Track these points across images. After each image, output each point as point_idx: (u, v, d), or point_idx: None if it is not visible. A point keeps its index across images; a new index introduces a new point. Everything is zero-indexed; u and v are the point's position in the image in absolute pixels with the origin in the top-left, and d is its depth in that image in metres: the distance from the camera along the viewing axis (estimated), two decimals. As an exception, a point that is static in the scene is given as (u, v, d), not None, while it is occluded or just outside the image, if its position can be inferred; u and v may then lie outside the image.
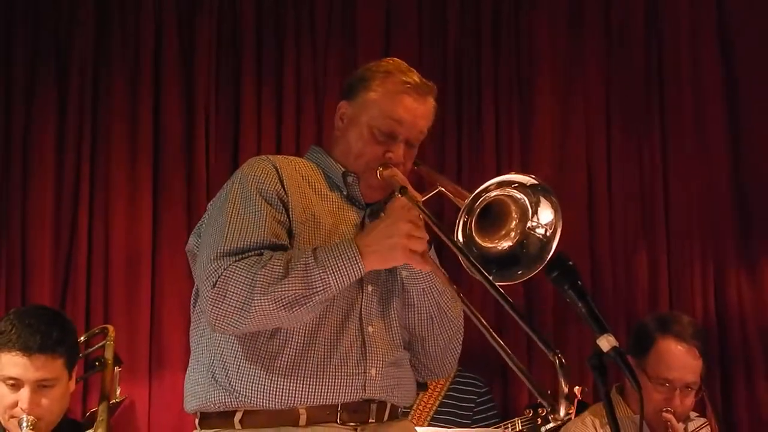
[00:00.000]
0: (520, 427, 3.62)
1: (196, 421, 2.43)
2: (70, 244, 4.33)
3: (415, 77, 2.51)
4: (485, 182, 2.19)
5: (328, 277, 2.21)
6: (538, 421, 3.57)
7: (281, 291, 2.19)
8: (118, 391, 3.59)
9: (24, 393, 3.00)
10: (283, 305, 2.20)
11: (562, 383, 1.88)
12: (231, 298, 2.21)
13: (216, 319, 2.24)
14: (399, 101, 2.47)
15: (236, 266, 2.23)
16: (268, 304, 2.19)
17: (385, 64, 2.55)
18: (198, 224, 2.52)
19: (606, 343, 1.92)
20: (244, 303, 2.20)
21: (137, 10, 4.50)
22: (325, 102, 4.43)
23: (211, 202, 2.51)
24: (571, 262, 2.07)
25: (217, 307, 2.22)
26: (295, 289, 2.19)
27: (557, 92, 4.58)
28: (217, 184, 4.31)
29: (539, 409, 3.58)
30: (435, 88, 2.55)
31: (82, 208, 4.34)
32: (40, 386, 3.02)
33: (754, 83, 4.57)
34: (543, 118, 4.56)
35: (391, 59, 2.60)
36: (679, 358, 3.33)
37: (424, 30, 4.60)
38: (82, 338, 3.60)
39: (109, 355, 3.57)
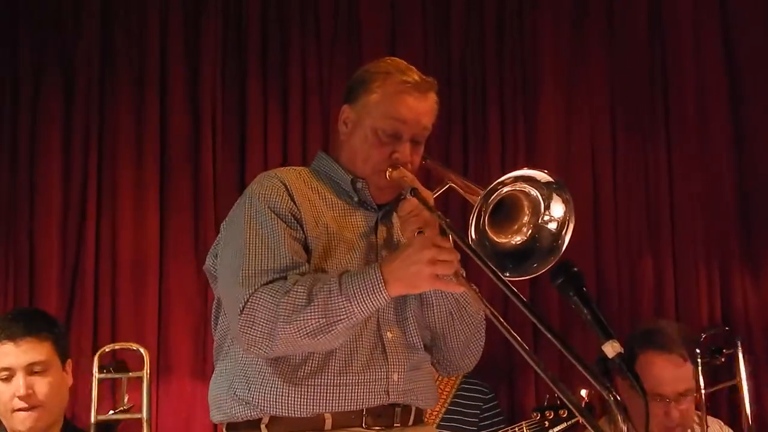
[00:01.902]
0: (527, 432, 3.61)
1: (224, 428, 2.45)
2: (78, 249, 4.32)
3: (414, 75, 2.50)
4: (495, 180, 2.20)
5: (351, 306, 2.20)
6: (545, 425, 3.55)
7: (303, 320, 2.20)
8: (126, 398, 3.59)
9: (18, 380, 3.07)
10: (306, 333, 2.21)
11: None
12: (258, 326, 2.23)
13: (248, 345, 2.27)
14: (400, 101, 2.46)
15: (262, 291, 2.25)
16: (292, 333, 2.21)
17: (384, 65, 2.54)
18: (214, 244, 2.54)
19: (611, 349, 1.92)
20: (270, 331, 2.22)
21: (143, 10, 4.50)
22: (330, 103, 4.41)
23: (224, 223, 2.52)
24: (576, 269, 2.06)
25: (247, 333, 2.25)
26: (317, 318, 2.20)
27: (561, 93, 4.58)
28: (223, 187, 4.33)
29: (546, 412, 3.56)
30: (435, 83, 2.54)
31: (89, 212, 4.34)
32: (32, 372, 3.09)
33: (758, 83, 4.57)
34: (547, 118, 4.55)
35: (389, 59, 2.59)
36: (664, 371, 3.20)
37: (429, 32, 4.59)
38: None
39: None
